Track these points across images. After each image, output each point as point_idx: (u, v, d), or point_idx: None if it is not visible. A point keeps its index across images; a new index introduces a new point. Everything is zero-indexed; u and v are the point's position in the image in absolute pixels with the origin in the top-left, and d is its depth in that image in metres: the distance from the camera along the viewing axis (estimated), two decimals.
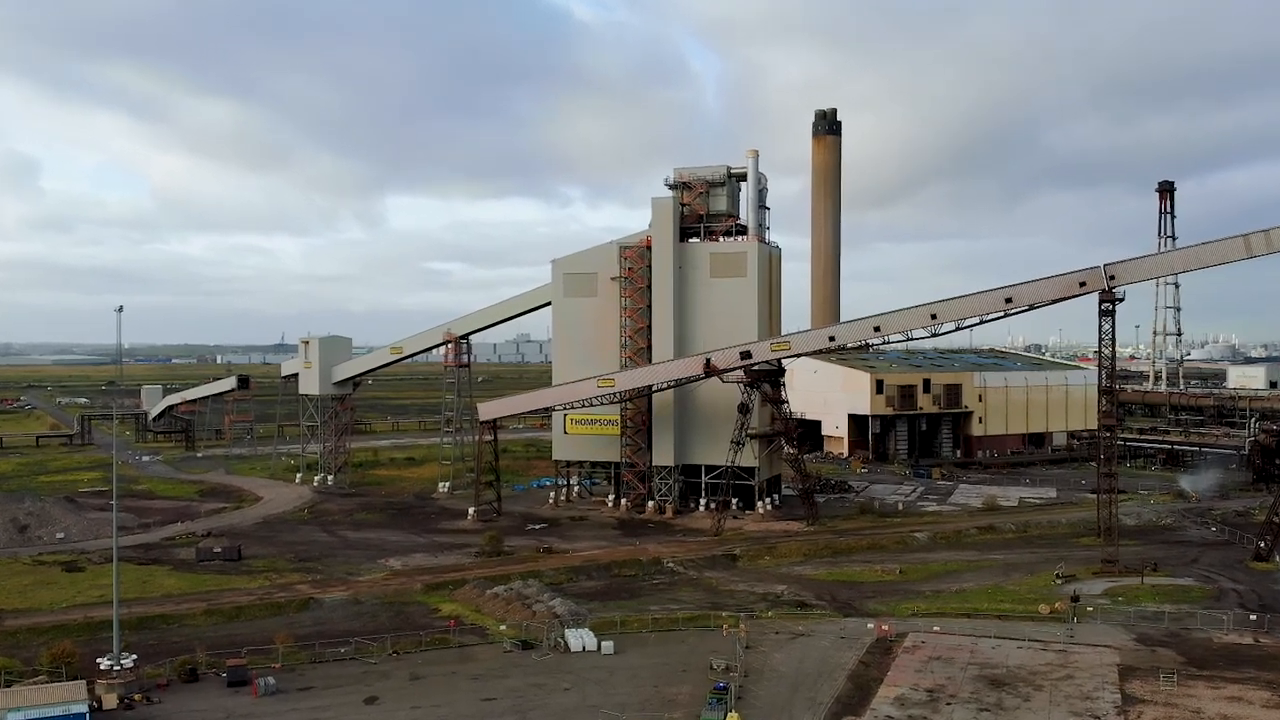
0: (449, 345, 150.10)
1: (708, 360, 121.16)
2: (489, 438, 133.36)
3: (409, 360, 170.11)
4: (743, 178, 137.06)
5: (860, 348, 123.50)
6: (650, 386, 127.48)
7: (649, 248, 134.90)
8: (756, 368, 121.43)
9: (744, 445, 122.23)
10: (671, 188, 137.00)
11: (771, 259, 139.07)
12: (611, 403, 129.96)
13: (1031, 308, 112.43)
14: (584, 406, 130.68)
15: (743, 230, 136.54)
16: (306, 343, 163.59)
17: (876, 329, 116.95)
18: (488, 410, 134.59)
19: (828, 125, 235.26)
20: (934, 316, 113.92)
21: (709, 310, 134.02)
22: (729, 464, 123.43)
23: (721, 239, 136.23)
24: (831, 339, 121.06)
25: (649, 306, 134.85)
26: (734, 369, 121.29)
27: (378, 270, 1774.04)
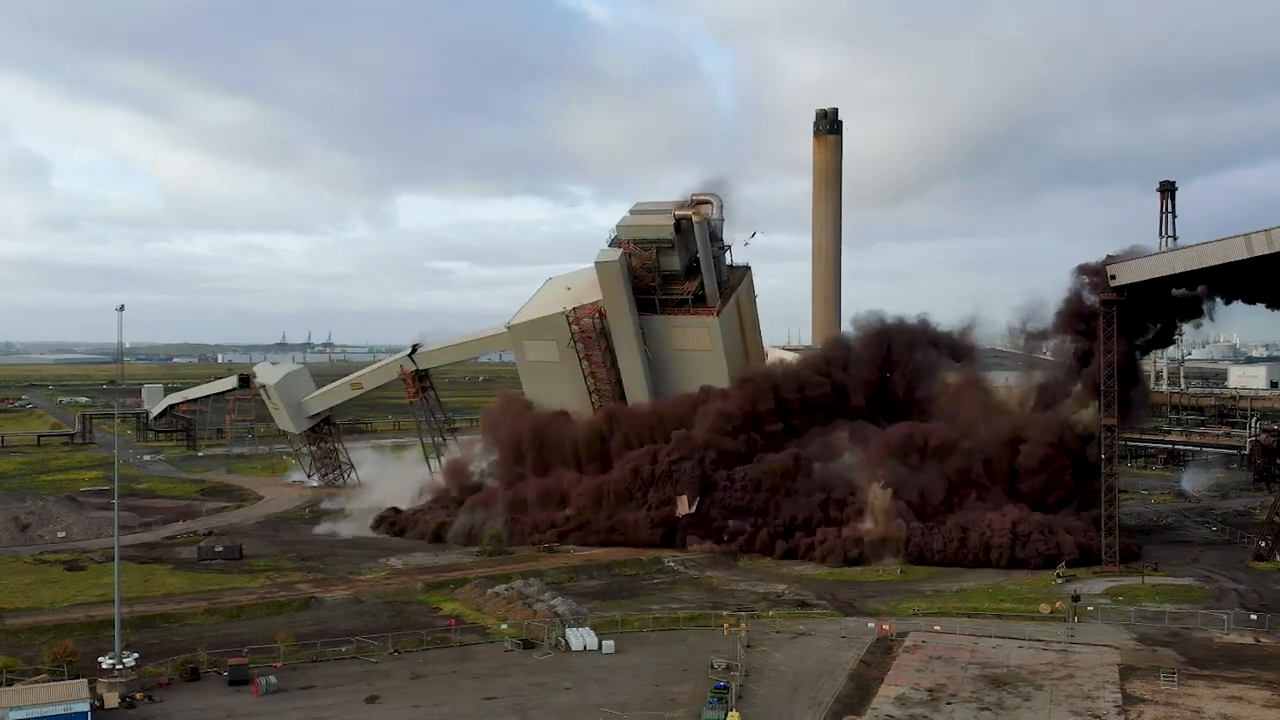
0: (406, 380, 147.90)
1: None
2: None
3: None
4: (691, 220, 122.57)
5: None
6: None
7: (602, 315, 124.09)
8: None
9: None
10: (617, 244, 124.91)
11: (740, 305, 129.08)
12: None
13: None
14: None
15: (703, 288, 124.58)
16: (264, 387, 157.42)
17: None
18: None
19: (828, 125, 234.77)
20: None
21: (677, 373, 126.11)
22: None
23: (678, 314, 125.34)
24: None
25: (614, 365, 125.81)
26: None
27: (380, 269, 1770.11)
